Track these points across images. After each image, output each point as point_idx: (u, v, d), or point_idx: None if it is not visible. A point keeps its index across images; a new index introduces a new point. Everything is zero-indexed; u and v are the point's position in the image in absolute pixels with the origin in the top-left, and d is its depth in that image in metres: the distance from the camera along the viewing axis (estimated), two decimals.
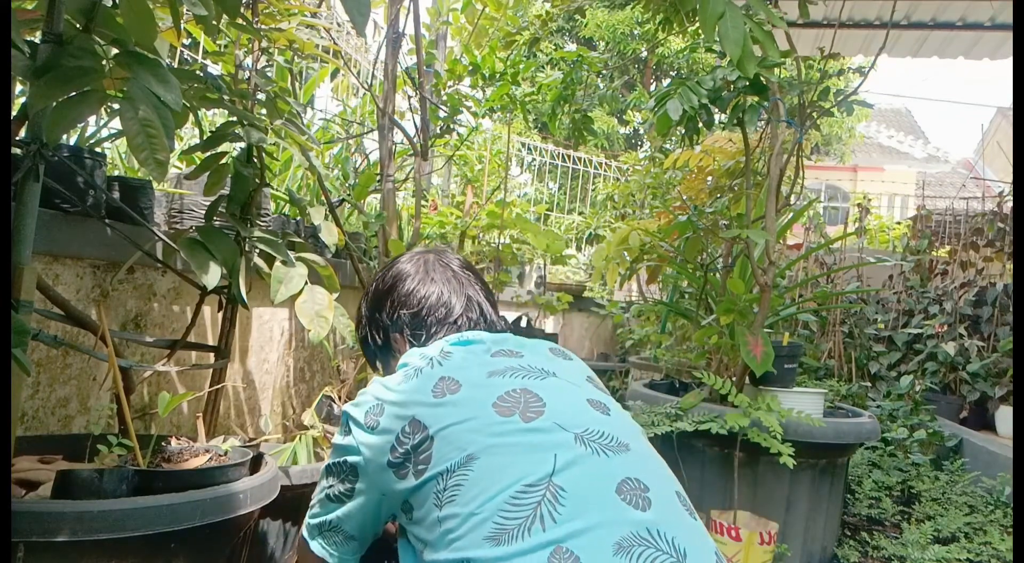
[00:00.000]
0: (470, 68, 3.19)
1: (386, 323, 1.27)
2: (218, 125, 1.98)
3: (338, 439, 1.08)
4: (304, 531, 1.14)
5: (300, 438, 2.22)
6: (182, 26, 2.00)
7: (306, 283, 1.91)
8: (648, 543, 0.89)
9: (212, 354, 2.01)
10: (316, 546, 1.11)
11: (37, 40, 1.28)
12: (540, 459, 0.94)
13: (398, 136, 2.87)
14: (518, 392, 1.02)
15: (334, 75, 3.92)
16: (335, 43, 3.04)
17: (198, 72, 2.23)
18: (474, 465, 0.93)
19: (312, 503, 1.13)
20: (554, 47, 10.35)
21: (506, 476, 0.92)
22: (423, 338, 1.22)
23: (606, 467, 0.96)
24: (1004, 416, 3.92)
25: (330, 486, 1.09)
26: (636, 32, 10.50)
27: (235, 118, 1.86)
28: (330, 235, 2.29)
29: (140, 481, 1.39)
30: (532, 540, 0.86)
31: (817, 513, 2.71)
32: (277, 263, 1.90)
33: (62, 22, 1.28)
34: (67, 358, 1.78)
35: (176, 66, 2.63)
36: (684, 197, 3.85)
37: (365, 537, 1.11)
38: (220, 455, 1.64)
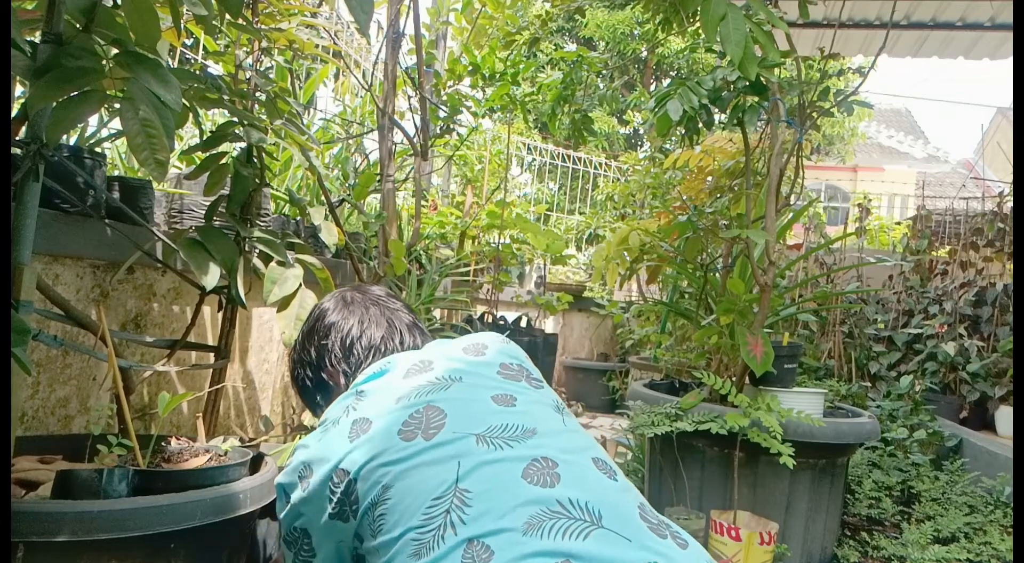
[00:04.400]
0: (470, 68, 3.19)
1: (314, 359, 1.31)
2: (218, 125, 1.98)
3: (281, 513, 1.13)
4: None
5: (300, 438, 2.22)
6: (182, 26, 2.00)
7: (300, 285, 1.90)
8: (559, 514, 0.91)
9: (212, 354, 2.01)
10: None
11: (37, 40, 1.28)
12: (444, 470, 0.98)
13: (398, 136, 2.87)
14: (420, 412, 1.06)
15: (336, 76, 3.92)
16: (335, 43, 3.04)
17: (198, 72, 2.24)
18: (390, 494, 0.99)
19: None
20: (554, 47, 10.37)
21: (418, 496, 0.96)
22: (353, 368, 1.26)
23: (509, 457, 0.99)
24: (1004, 416, 3.92)
25: (295, 554, 1.14)
26: (636, 32, 10.50)
27: (235, 118, 1.86)
28: (330, 235, 2.30)
29: (140, 481, 1.39)
30: (446, 545, 0.91)
31: (817, 513, 2.71)
32: (272, 263, 1.90)
33: (62, 22, 1.28)
34: (67, 358, 1.78)
35: (176, 66, 2.63)
36: (684, 197, 3.85)
37: None
38: (220, 455, 1.64)
